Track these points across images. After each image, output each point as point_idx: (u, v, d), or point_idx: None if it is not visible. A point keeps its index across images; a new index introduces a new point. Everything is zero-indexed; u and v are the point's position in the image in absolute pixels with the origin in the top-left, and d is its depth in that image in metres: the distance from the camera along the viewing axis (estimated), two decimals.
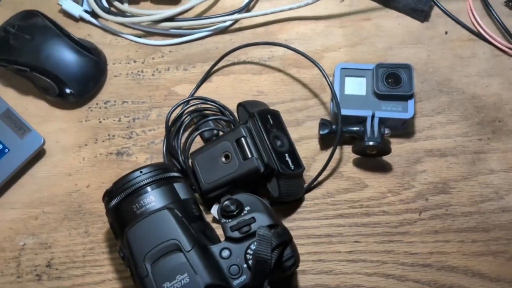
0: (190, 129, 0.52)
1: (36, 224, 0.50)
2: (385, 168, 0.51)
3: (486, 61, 0.55)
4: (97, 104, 0.54)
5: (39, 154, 0.52)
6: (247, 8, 0.58)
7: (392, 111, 0.50)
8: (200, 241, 0.38)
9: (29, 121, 0.52)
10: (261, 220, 0.39)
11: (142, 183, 0.41)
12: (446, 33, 0.57)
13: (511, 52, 0.55)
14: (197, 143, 0.51)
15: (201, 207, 0.47)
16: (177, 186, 0.42)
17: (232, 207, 0.40)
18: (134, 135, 0.53)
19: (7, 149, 0.50)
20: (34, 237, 0.49)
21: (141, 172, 0.42)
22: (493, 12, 0.56)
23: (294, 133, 0.52)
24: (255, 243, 0.38)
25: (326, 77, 0.50)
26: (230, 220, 0.40)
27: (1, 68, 0.54)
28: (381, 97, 0.50)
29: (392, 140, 0.52)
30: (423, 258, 0.48)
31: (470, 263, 0.48)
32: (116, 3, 0.57)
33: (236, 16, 0.57)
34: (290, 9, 0.56)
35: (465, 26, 0.57)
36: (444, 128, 0.52)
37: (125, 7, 0.57)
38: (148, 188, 0.41)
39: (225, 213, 0.40)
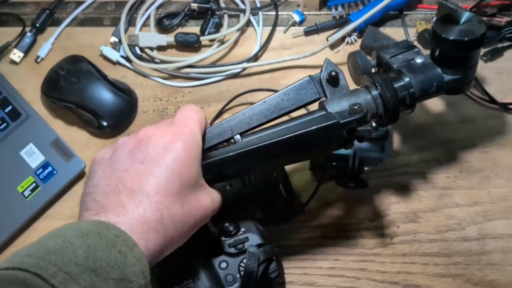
0: None
1: None
2: (364, 198, 0.60)
3: (459, 108, 0.64)
4: (128, 134, 0.65)
5: (80, 175, 0.63)
6: (255, 57, 0.68)
7: (371, 151, 0.59)
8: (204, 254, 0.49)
9: (73, 148, 0.64)
10: (253, 240, 0.49)
11: None
12: None
13: (482, 101, 0.64)
14: None
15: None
16: None
17: (231, 228, 0.50)
18: None
19: (55, 171, 0.62)
20: None
21: None
22: None
23: (289, 165, 0.62)
24: (246, 258, 0.48)
25: None
26: (228, 238, 0.50)
27: (51, 103, 0.66)
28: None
29: (371, 174, 0.61)
30: (392, 276, 0.57)
31: (432, 283, 0.56)
32: (147, 50, 0.69)
33: (245, 64, 0.67)
34: (291, 59, 0.66)
35: None
36: (418, 165, 0.61)
37: (155, 54, 0.69)
38: None
39: (224, 232, 0.50)
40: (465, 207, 0.59)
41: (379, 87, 0.44)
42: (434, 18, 0.66)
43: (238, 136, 0.46)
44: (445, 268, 0.57)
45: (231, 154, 0.43)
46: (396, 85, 0.45)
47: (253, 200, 0.56)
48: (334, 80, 0.46)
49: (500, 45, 0.67)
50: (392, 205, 0.60)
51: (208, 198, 0.42)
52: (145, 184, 0.38)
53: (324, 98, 0.47)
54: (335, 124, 0.41)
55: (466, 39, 0.44)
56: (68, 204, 0.62)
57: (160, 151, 0.39)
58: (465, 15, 0.47)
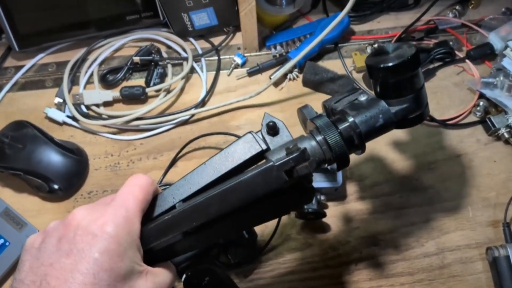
0: None
1: None
2: (325, 228, 0.61)
3: (402, 130, 0.67)
4: (81, 195, 0.64)
5: None
6: (202, 102, 0.70)
7: (325, 181, 0.60)
8: None
9: (25, 216, 0.61)
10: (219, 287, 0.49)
11: None
12: None
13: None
14: None
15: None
16: None
17: (194, 280, 0.49)
18: None
19: (8, 243, 0.60)
20: None
21: None
22: None
23: None
24: None
25: None
26: None
27: None
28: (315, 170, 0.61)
29: (329, 203, 0.62)
30: None
31: None
32: (94, 107, 0.69)
33: (193, 111, 0.68)
34: (238, 101, 0.68)
35: None
36: (371, 189, 0.63)
37: (101, 110, 0.69)
38: None
39: (188, 285, 0.49)
40: (421, 223, 0.61)
41: (321, 132, 0.42)
42: (369, 48, 0.70)
43: (180, 204, 0.41)
44: (411, 286, 0.58)
45: (166, 217, 0.38)
46: (341, 126, 0.42)
47: (215, 246, 0.56)
48: (273, 130, 0.43)
49: (431, 66, 0.71)
50: (353, 231, 0.61)
51: (150, 284, 0.37)
52: (71, 282, 0.34)
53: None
54: (270, 167, 0.37)
55: (399, 61, 0.43)
56: None
57: (88, 240, 0.35)
58: (393, 45, 0.50)
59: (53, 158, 0.63)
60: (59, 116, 0.68)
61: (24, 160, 0.62)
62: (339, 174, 0.60)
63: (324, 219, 0.61)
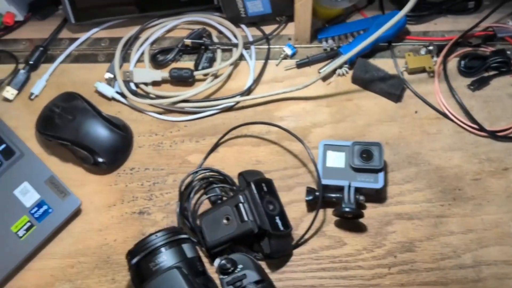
0: (199, 194, 0.63)
1: (72, 272, 0.60)
2: (360, 229, 0.61)
3: (449, 136, 0.65)
4: (124, 170, 0.66)
5: (76, 213, 0.63)
6: (248, 91, 0.70)
7: (366, 181, 0.60)
8: None
9: (69, 185, 0.63)
10: (251, 277, 0.49)
11: (156, 245, 0.51)
12: (416, 112, 0.67)
13: (471, 130, 0.65)
14: (206, 205, 0.62)
15: (205, 261, 0.58)
16: (185, 246, 0.53)
17: (228, 265, 0.50)
18: (153, 197, 0.64)
19: (51, 209, 0.62)
20: (71, 283, 0.60)
21: (156, 235, 0.52)
22: (456, 95, 0.67)
23: (285, 197, 0.62)
24: None
25: (310, 153, 0.61)
26: (226, 276, 0.50)
27: (46, 140, 0.66)
28: (356, 170, 0.60)
29: (367, 204, 0.62)
30: None
31: None
32: (142, 86, 0.70)
33: (238, 98, 0.68)
34: (284, 92, 0.67)
35: (432, 106, 0.67)
36: (412, 195, 0.62)
37: (149, 89, 0.70)
38: (162, 249, 0.51)
39: (222, 270, 0.50)
40: (460, 234, 0.60)
41: None
42: (423, 50, 0.68)
43: None
44: None
45: None
46: None
47: (250, 234, 0.56)
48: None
49: (486, 74, 0.69)
50: (389, 235, 0.60)
51: None
52: None
53: None
54: None
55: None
56: (63, 242, 0.62)
57: None
58: None
59: (101, 132, 0.64)
60: (109, 91, 0.69)
61: (73, 131, 0.64)
62: (381, 176, 0.60)
63: (361, 220, 0.61)
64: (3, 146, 0.65)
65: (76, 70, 0.72)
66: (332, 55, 0.70)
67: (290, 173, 0.65)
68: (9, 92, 0.70)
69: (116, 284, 0.59)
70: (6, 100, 0.70)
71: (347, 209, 0.58)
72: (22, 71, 0.71)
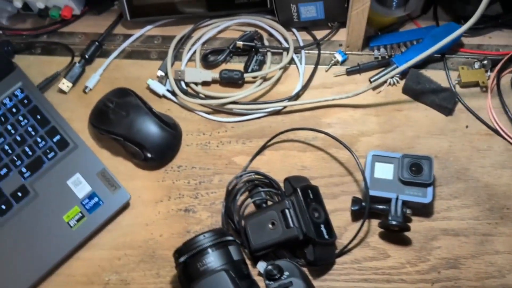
0: (244, 196, 0.64)
1: (119, 263, 0.62)
2: (405, 242, 0.60)
3: (500, 154, 0.64)
4: (172, 168, 0.67)
5: (125, 206, 0.65)
6: (297, 95, 0.70)
7: (414, 195, 0.59)
8: None
9: (119, 179, 0.65)
10: (297, 285, 0.50)
11: (205, 246, 0.52)
12: (467, 127, 0.66)
13: None
14: (250, 208, 0.63)
15: (249, 263, 0.59)
16: (231, 248, 0.54)
17: (275, 272, 0.51)
18: (199, 196, 0.65)
19: (101, 202, 0.64)
20: (117, 275, 0.62)
21: (204, 236, 0.53)
22: (508, 111, 0.66)
23: (330, 205, 0.62)
24: None
25: (358, 163, 0.61)
26: (272, 282, 0.50)
27: (99, 134, 0.68)
28: (405, 182, 0.60)
29: (413, 218, 0.61)
30: None
31: None
32: (192, 85, 0.71)
33: (287, 103, 0.69)
34: (333, 99, 0.67)
35: (484, 122, 0.66)
36: (459, 211, 0.62)
37: (199, 89, 0.71)
38: (209, 250, 0.52)
39: (268, 276, 0.51)
40: (506, 254, 0.59)
41: None
42: (477, 63, 0.67)
43: None
44: None
45: None
46: None
47: (295, 241, 0.57)
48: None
49: None
50: (434, 250, 0.60)
51: None
52: None
53: None
54: None
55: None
56: (112, 234, 0.64)
57: None
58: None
59: (152, 129, 0.66)
60: (160, 89, 0.71)
61: (126, 127, 0.65)
62: (430, 190, 0.59)
63: (406, 233, 0.60)
64: (58, 137, 0.67)
65: (129, 66, 0.74)
66: (383, 63, 0.70)
67: (336, 181, 0.65)
68: (65, 84, 0.72)
69: (160, 279, 0.61)
70: (62, 92, 0.72)
71: (394, 222, 0.58)
72: (77, 65, 0.73)
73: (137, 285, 0.61)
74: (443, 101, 0.66)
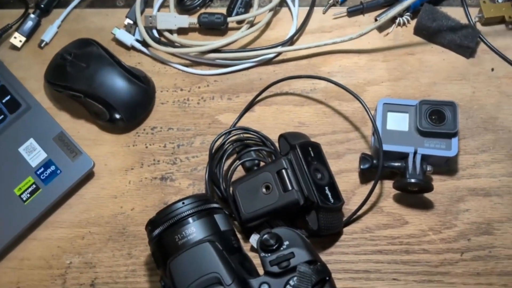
0: (232, 158, 0.53)
1: (82, 243, 0.52)
2: (426, 205, 0.50)
3: None
4: (144, 130, 0.57)
5: (88, 176, 0.54)
6: (291, 41, 0.59)
7: (435, 148, 0.49)
8: (240, 275, 0.39)
9: (80, 144, 0.55)
10: (300, 256, 0.40)
11: (184, 214, 0.42)
12: (492, 69, 0.56)
13: None
14: (239, 172, 0.52)
15: (239, 236, 0.49)
16: (218, 217, 0.43)
17: (272, 241, 0.40)
18: (178, 161, 0.55)
19: (59, 171, 0.53)
20: (80, 256, 0.51)
21: (183, 203, 0.43)
22: None
23: (334, 166, 0.52)
24: (295, 279, 0.38)
25: (368, 111, 0.51)
26: (269, 254, 0.40)
27: (56, 92, 0.57)
28: (424, 133, 0.50)
29: (434, 177, 0.51)
30: None
31: None
32: (166, 34, 0.60)
33: (279, 49, 0.58)
34: (333, 43, 0.57)
35: None
36: (489, 167, 0.52)
37: (175, 37, 0.60)
38: (190, 219, 0.42)
39: (264, 247, 0.40)
40: None
41: None
42: None
43: None
44: None
45: None
46: None
47: (295, 207, 0.47)
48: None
49: None
50: (461, 214, 0.50)
51: None
52: None
53: None
54: None
55: None
56: (73, 209, 0.53)
57: None
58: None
59: (118, 82, 0.55)
60: (128, 38, 0.60)
61: (86, 81, 0.54)
62: (455, 142, 0.49)
63: (426, 195, 0.50)
64: (8, 97, 0.56)
65: (91, 15, 0.63)
66: (390, 1, 0.60)
67: (340, 138, 0.54)
68: (17, 39, 0.61)
69: (132, 260, 0.51)
70: (14, 47, 0.61)
71: (412, 180, 0.48)
72: (32, 16, 0.62)
73: (104, 268, 0.51)
74: (465, 39, 0.56)
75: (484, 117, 0.54)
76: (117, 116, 0.55)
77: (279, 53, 0.59)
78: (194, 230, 0.42)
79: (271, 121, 0.56)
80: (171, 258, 0.40)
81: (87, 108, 0.56)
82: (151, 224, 0.44)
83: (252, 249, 0.50)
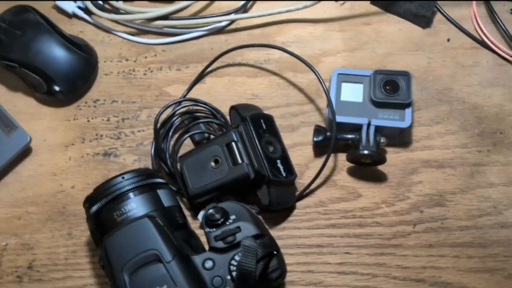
0: (180, 132, 0.50)
1: (19, 224, 0.48)
2: (379, 178, 0.49)
3: (489, 70, 0.54)
4: (86, 102, 0.53)
5: (25, 152, 0.50)
6: (244, 9, 0.57)
7: (389, 119, 0.48)
8: (182, 251, 0.37)
9: (17, 118, 0.51)
10: (247, 230, 0.38)
11: (123, 189, 0.39)
12: (448, 40, 0.55)
13: None
14: (188, 146, 0.50)
15: (188, 214, 0.47)
16: (161, 192, 0.41)
17: (217, 216, 0.38)
18: (122, 136, 0.52)
19: None
20: (17, 238, 0.48)
21: (123, 177, 0.40)
22: (498, 19, 0.55)
23: (287, 139, 0.50)
24: (240, 254, 0.36)
25: (322, 82, 0.49)
26: (214, 229, 0.38)
27: None
28: (378, 104, 0.48)
29: (387, 149, 0.50)
30: (416, 272, 0.46)
31: (465, 279, 0.46)
32: (112, 1, 0.56)
33: (232, 16, 0.55)
34: (288, 11, 0.54)
35: (468, 33, 0.55)
36: (443, 138, 0.51)
37: (119, 4, 0.56)
38: (130, 195, 0.39)
39: (209, 221, 0.38)
40: (501, 186, 0.49)
41: None
42: None
43: None
44: (481, 261, 0.46)
45: None
46: None
47: (245, 181, 0.44)
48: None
49: None
50: (414, 186, 0.49)
51: None
52: None
53: None
54: None
55: None
56: (9, 187, 0.50)
57: None
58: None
59: (56, 51, 0.51)
60: (69, 6, 0.56)
61: (21, 49, 0.50)
62: (409, 112, 0.48)
63: (380, 167, 0.49)
64: None
65: None
66: None
67: (294, 111, 0.52)
68: None
69: (73, 240, 0.47)
70: None
71: (365, 152, 0.46)
72: None
73: (43, 249, 0.47)
74: (421, 9, 0.55)
75: (439, 88, 0.53)
76: (56, 88, 0.51)
77: (231, 21, 0.56)
78: (135, 206, 0.39)
79: (223, 93, 0.53)
80: (106, 236, 0.37)
81: (23, 79, 0.52)
82: (89, 201, 0.41)
83: (201, 226, 0.47)
